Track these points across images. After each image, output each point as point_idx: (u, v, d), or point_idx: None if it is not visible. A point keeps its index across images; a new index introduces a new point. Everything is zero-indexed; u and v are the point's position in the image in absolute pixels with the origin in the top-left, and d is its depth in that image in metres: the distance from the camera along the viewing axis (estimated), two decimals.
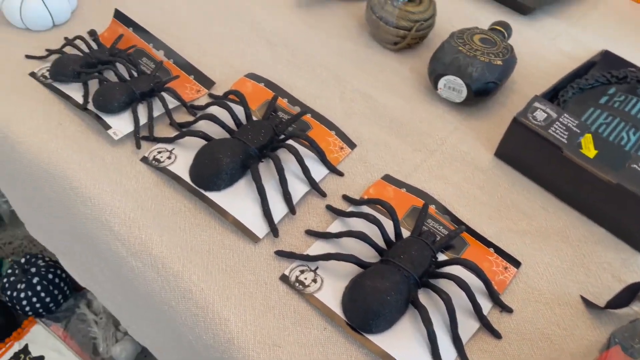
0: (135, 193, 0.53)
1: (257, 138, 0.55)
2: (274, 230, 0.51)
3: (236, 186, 0.54)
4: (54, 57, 0.64)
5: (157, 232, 0.50)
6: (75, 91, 0.60)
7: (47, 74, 0.62)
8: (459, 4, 0.80)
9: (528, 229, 0.55)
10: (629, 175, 0.51)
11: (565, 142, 0.54)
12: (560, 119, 0.55)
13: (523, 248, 0.53)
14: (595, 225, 0.56)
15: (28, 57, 0.64)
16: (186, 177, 0.54)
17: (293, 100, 0.63)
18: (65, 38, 0.66)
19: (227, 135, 0.57)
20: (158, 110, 0.59)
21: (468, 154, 0.61)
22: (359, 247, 0.50)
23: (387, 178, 0.57)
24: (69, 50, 0.64)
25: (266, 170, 0.55)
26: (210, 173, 0.53)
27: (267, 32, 0.72)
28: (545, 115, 0.56)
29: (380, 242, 0.50)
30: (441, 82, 0.64)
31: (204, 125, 0.58)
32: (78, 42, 0.65)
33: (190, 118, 0.60)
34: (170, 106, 0.59)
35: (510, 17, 0.80)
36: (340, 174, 0.57)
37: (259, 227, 0.51)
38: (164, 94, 0.60)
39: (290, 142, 0.57)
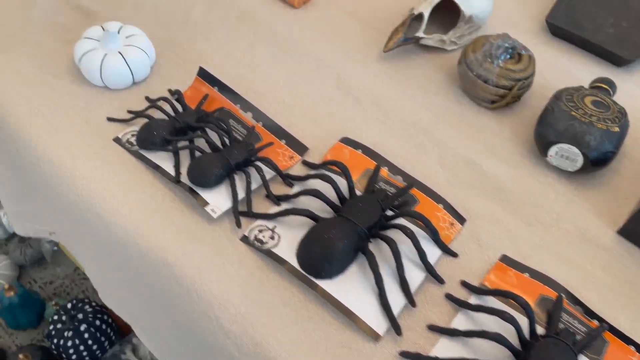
0: (240, 280, 0.48)
1: (366, 216, 0.51)
2: (396, 327, 0.46)
3: (348, 272, 0.49)
4: (137, 119, 0.60)
5: (271, 330, 0.45)
6: (164, 161, 0.56)
7: (132, 139, 0.58)
8: (549, 57, 0.75)
9: None
10: None
11: None
12: None
13: None
14: None
15: (110, 120, 0.60)
16: (293, 262, 0.49)
17: (394, 169, 0.58)
18: (147, 98, 0.62)
19: (329, 211, 0.53)
20: (254, 181, 0.55)
21: (587, 230, 0.56)
22: (496, 350, 0.45)
23: (506, 260, 0.53)
24: (152, 112, 0.61)
25: (375, 253, 0.50)
26: (323, 259, 0.48)
27: (354, 89, 0.67)
28: None
29: (516, 344, 0.45)
30: (552, 150, 0.59)
31: (304, 200, 0.54)
32: (161, 103, 0.61)
33: (286, 189, 0.56)
34: (267, 177, 0.55)
35: (605, 70, 0.76)
36: (455, 254, 0.53)
37: (378, 323, 0.47)
38: (260, 164, 0.56)
39: (401, 220, 0.53)
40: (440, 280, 0.50)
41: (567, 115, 0.59)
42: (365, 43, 0.74)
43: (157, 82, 0.65)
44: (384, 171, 0.58)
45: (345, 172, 0.54)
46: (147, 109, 0.60)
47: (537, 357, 0.43)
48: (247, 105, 0.62)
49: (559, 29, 0.79)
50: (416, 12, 0.69)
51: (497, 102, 0.66)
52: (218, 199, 0.53)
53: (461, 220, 0.56)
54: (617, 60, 0.76)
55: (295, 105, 0.65)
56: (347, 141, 0.60)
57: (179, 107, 0.61)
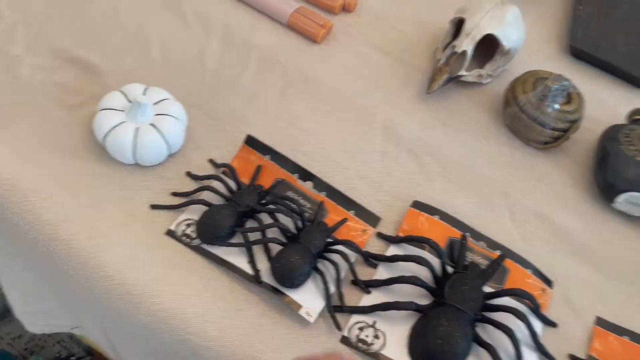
0: None
1: (471, 300, 0.48)
2: None
3: None
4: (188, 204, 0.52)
5: None
6: (234, 255, 0.49)
7: (189, 231, 0.50)
8: (578, 85, 0.74)
9: None
10: None
11: None
12: None
13: None
14: None
15: (155, 207, 0.51)
16: None
17: (476, 235, 0.55)
18: (191, 175, 0.54)
19: (424, 295, 0.49)
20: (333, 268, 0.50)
21: None
22: None
23: (603, 324, 0.52)
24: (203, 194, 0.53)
25: (485, 336, 0.47)
26: (447, 357, 0.44)
27: (404, 139, 0.63)
28: None
29: None
30: (621, 197, 0.58)
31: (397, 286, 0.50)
32: (211, 181, 0.53)
33: (369, 270, 0.51)
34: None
35: (628, 91, 0.76)
36: (555, 324, 0.51)
37: None
38: (342, 248, 0.51)
39: (504, 299, 0.50)
40: (551, 358, 0.48)
41: (633, 161, 0.58)
42: (400, 82, 0.69)
43: (192, 150, 0.57)
44: (458, 233, 0.55)
45: (438, 250, 0.50)
46: (196, 191, 0.53)
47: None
48: (305, 174, 0.56)
49: (582, 52, 0.78)
50: (459, 51, 0.65)
51: (549, 143, 0.64)
52: (308, 298, 0.47)
53: (549, 283, 0.54)
54: (638, 82, 0.77)
55: (350, 165, 0.59)
56: (419, 206, 0.56)
57: (232, 184, 0.53)
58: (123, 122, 0.53)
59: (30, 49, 0.61)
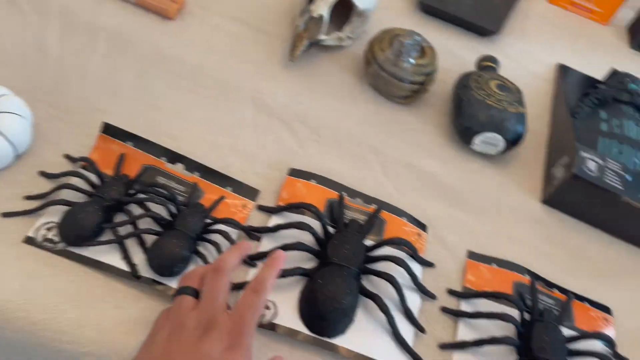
0: None
1: (354, 256, 0.49)
2: (417, 358, 0.47)
3: (356, 319, 0.48)
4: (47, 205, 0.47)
5: None
6: (105, 253, 0.46)
7: (52, 236, 0.46)
8: (429, 38, 0.78)
9: (598, 270, 0.59)
10: None
11: (622, 188, 0.58)
12: (607, 165, 0.60)
13: (609, 294, 0.57)
14: None
15: (7, 215, 0.46)
16: (301, 328, 0.46)
17: (352, 192, 0.57)
18: (45, 174, 0.49)
19: (311, 258, 0.50)
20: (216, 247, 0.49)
21: (521, 208, 0.63)
22: None
23: (473, 256, 0.56)
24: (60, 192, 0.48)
25: (370, 286, 0.50)
26: (335, 318, 0.46)
27: (275, 109, 0.63)
28: (595, 164, 0.59)
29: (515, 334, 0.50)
30: (477, 139, 0.63)
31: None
32: (69, 179, 0.49)
33: (254, 243, 0.51)
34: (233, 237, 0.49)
35: (473, 40, 0.82)
36: (431, 265, 0.55)
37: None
38: (222, 227, 0.50)
39: (385, 249, 0.52)
40: (432, 296, 0.52)
41: (483, 104, 0.63)
42: (263, 52, 0.68)
43: (43, 148, 0.52)
44: (345, 198, 0.56)
45: (318, 214, 0.51)
46: (53, 190, 0.48)
47: (536, 338, 0.48)
48: (173, 156, 0.54)
49: (430, 7, 0.82)
50: (316, 15, 0.65)
51: (409, 97, 0.68)
52: None
53: (423, 228, 0.57)
54: (482, 32, 0.83)
55: (221, 141, 0.58)
56: (296, 173, 0.57)
57: (94, 178, 0.50)
58: None
59: None
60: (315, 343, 0.46)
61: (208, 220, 0.50)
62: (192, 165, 0.54)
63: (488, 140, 0.63)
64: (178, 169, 0.53)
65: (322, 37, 0.67)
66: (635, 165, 0.65)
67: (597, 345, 0.52)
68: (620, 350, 0.53)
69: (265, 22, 0.72)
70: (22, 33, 0.60)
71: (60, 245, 0.46)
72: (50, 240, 0.46)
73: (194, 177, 0.53)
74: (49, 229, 0.46)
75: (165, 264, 0.45)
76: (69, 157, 0.51)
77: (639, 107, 0.74)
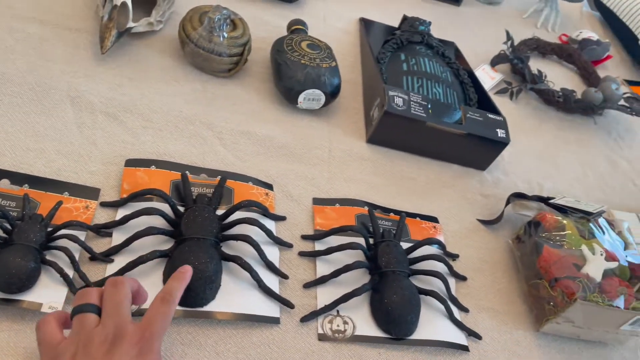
0: None
1: (209, 227, 0.52)
2: (287, 304, 0.52)
3: (224, 285, 0.51)
4: None
5: None
6: None
7: None
8: (241, 11, 0.81)
9: (421, 189, 0.69)
10: (469, 125, 0.70)
11: (425, 115, 0.68)
12: (411, 99, 0.69)
13: (433, 206, 0.68)
14: (451, 164, 0.74)
15: None
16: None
17: (194, 170, 0.59)
18: None
19: (167, 240, 0.52)
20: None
21: (351, 151, 0.70)
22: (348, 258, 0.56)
23: (318, 201, 0.62)
24: None
25: (231, 251, 0.53)
26: (205, 288, 0.48)
27: (97, 104, 0.61)
28: (401, 99, 0.68)
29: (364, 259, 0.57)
30: (301, 97, 0.69)
31: (135, 243, 0.50)
32: None
33: (105, 241, 0.51)
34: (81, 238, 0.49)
35: (281, 7, 0.87)
36: (283, 218, 0.59)
37: (271, 309, 0.51)
38: (67, 231, 0.48)
39: (235, 215, 0.55)
40: (288, 245, 0.57)
41: (299, 65, 0.68)
42: (71, 49, 0.66)
43: None
44: (189, 176, 0.58)
45: (163, 196, 0.52)
46: None
47: (381, 256, 0.56)
48: None
49: None
50: (118, 3, 0.64)
51: (233, 70, 0.70)
52: (47, 293, 0.45)
53: (270, 187, 0.62)
54: None
55: (46, 147, 0.55)
56: (133, 163, 0.57)
57: None
58: None
59: None
60: (188, 315, 0.48)
61: (50, 229, 0.48)
62: (19, 178, 0.51)
63: (310, 97, 0.69)
64: (4, 185, 0.50)
65: (131, 24, 0.67)
66: (434, 95, 0.76)
67: (431, 250, 0.61)
68: (449, 249, 0.63)
69: (65, 18, 0.69)
70: None
71: None
72: None
73: (24, 190, 0.51)
74: None
75: (11, 279, 0.43)
76: None
77: (430, 45, 0.85)
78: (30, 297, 0.44)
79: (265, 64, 0.75)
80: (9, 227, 0.47)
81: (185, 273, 0.45)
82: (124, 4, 0.65)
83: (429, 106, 0.70)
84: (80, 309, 0.40)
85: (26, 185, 0.51)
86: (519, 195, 0.67)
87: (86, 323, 0.39)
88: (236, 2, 0.83)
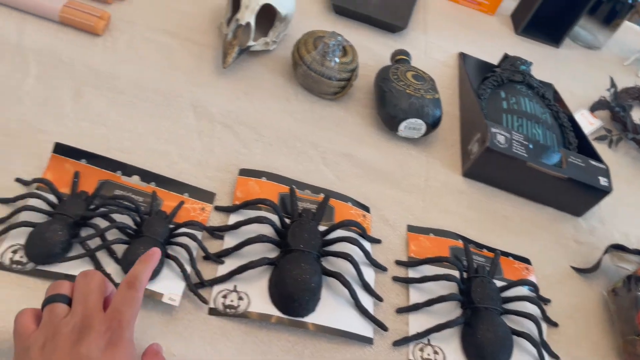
0: (235, 351, 0.47)
1: (313, 241, 0.54)
2: (380, 325, 0.53)
3: (323, 299, 0.53)
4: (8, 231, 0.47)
5: None
6: (76, 268, 0.47)
7: (19, 257, 0.46)
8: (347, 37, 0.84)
9: (515, 228, 0.69)
10: (570, 169, 0.69)
11: (526, 155, 0.68)
12: (513, 137, 0.69)
13: (526, 247, 0.67)
14: (546, 207, 0.73)
15: None
16: (275, 312, 0.50)
17: (300, 185, 0.62)
18: (0, 200, 0.49)
19: (273, 249, 0.54)
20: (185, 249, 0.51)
21: (447, 182, 0.71)
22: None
23: (413, 229, 0.63)
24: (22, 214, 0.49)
25: (330, 267, 0.55)
26: (304, 299, 0.50)
27: (216, 115, 0.66)
28: (503, 137, 0.69)
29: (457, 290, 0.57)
30: (402, 125, 0.70)
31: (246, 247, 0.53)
32: (26, 201, 0.49)
33: (218, 242, 0.54)
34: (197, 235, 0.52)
35: (384, 36, 0.90)
36: (379, 241, 0.61)
37: (366, 328, 0.52)
38: (187, 229, 0.52)
39: (337, 232, 0.57)
40: (383, 269, 0.58)
41: (404, 94, 0.70)
42: (196, 61, 0.71)
43: None
44: (295, 190, 0.61)
45: (274, 207, 0.55)
46: (12, 214, 0.48)
47: (475, 292, 0.56)
48: (129, 169, 0.55)
49: (342, 8, 0.89)
50: (243, 23, 0.69)
51: (339, 93, 0.74)
52: (167, 285, 0.48)
53: (367, 209, 0.64)
54: (391, 28, 0.91)
55: (170, 150, 0.60)
56: (246, 173, 0.60)
57: (52, 198, 0.50)
58: None
59: None
60: (288, 324, 0.50)
61: (172, 226, 0.52)
62: (148, 176, 0.56)
63: (411, 126, 0.71)
64: (134, 181, 0.55)
65: (251, 43, 0.71)
66: (533, 135, 0.76)
67: (524, 291, 0.61)
68: (542, 292, 0.62)
69: (192, 31, 0.74)
70: None
71: (30, 266, 0.46)
72: (19, 262, 0.46)
73: (151, 187, 0.55)
74: (14, 252, 0.47)
75: None
76: (20, 181, 0.51)
77: (531, 85, 0.85)
78: (153, 287, 0.48)
79: (368, 90, 0.78)
80: (139, 220, 0.51)
81: (153, 255, 0.42)
82: (248, 24, 0.70)
83: (530, 146, 0.70)
84: (51, 299, 0.39)
85: (153, 183, 0.56)
86: (618, 247, 0.66)
87: (55, 313, 0.38)
88: (343, 28, 0.87)
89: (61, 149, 0.54)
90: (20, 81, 0.60)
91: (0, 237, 0.47)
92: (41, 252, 0.46)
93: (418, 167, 0.71)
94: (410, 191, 0.68)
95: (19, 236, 0.47)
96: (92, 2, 0.71)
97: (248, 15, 0.70)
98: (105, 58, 0.66)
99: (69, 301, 0.39)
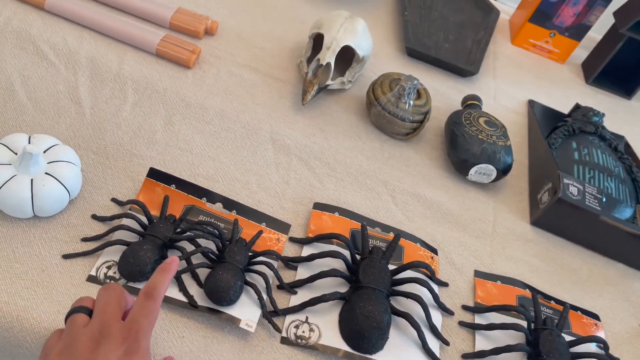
0: None
1: (383, 280, 0.55)
2: None
3: (391, 338, 0.54)
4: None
5: None
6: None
7: (112, 273, 0.50)
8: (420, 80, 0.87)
9: (583, 281, 0.68)
10: None
11: (599, 208, 0.67)
12: (586, 190, 0.69)
13: (594, 302, 0.66)
14: (617, 262, 0.72)
15: (68, 257, 0.50)
16: (344, 346, 0.51)
17: (371, 222, 0.63)
18: (97, 217, 0.53)
19: (343, 283, 0.56)
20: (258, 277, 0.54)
21: (514, 229, 0.71)
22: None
23: (480, 274, 0.64)
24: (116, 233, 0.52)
25: (398, 306, 0.56)
26: (374, 335, 0.51)
27: (292, 148, 0.69)
28: (576, 189, 0.68)
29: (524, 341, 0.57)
30: (473, 170, 0.71)
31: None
32: (121, 220, 0.53)
33: (290, 272, 0.56)
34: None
35: (455, 80, 0.92)
36: (446, 284, 0.61)
37: None
38: (264, 258, 0.55)
39: (407, 272, 0.58)
40: (450, 312, 0.59)
41: (476, 139, 0.71)
42: (275, 96, 0.75)
43: (91, 193, 0.56)
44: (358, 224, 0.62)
45: (347, 243, 0.57)
46: (108, 232, 0.52)
47: (544, 345, 0.56)
48: (213, 197, 0.59)
49: (415, 51, 0.91)
50: (324, 63, 0.72)
51: (410, 134, 0.75)
52: (245, 311, 0.50)
53: (435, 251, 0.64)
54: (462, 73, 0.93)
55: (249, 180, 0.63)
56: (320, 207, 0.63)
57: (143, 219, 0.54)
58: (14, 175, 0.50)
59: None
60: (356, 359, 0.51)
61: (250, 254, 0.55)
62: (230, 204, 0.59)
63: (482, 171, 0.71)
64: (218, 207, 0.58)
65: (329, 82, 0.75)
66: (606, 189, 0.75)
67: (592, 348, 0.60)
68: (612, 351, 0.61)
69: (272, 68, 0.79)
70: (54, 85, 0.64)
71: (122, 282, 0.49)
72: (112, 278, 0.50)
73: (233, 215, 0.58)
74: (109, 267, 0.50)
75: (222, 293, 0.49)
76: (116, 201, 0.56)
77: (603, 137, 0.85)
78: (233, 312, 0.50)
79: (438, 132, 0.79)
80: (221, 246, 0.54)
81: (171, 264, 0.43)
82: (328, 64, 0.73)
83: (604, 199, 0.69)
84: (73, 311, 0.40)
85: (234, 211, 0.59)
86: None
87: (75, 322, 0.39)
88: (415, 70, 0.89)
89: (154, 174, 0.58)
90: (119, 107, 0.65)
91: (97, 253, 0.51)
92: (133, 271, 0.49)
93: (486, 212, 0.71)
94: (478, 236, 0.68)
95: (114, 253, 0.51)
96: (185, 36, 0.77)
97: (329, 56, 0.73)
98: (194, 89, 0.71)
99: (90, 312, 0.40)
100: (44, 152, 0.52)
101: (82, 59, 0.68)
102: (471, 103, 0.81)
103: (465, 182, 0.74)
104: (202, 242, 0.54)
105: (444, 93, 0.87)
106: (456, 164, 0.73)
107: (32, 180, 0.50)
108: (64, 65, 0.67)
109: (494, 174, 0.72)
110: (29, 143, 0.53)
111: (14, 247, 0.49)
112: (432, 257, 0.63)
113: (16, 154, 0.51)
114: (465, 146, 0.72)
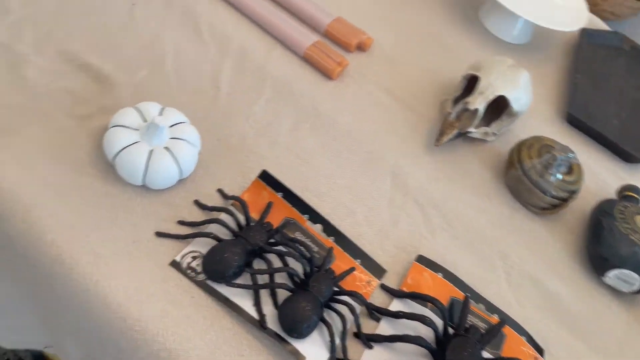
0: None
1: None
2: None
3: None
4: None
5: None
6: (239, 296, 0.47)
7: (194, 265, 0.48)
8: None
9: None
10: None
11: None
12: None
13: None
14: None
15: (160, 235, 0.49)
16: None
17: (476, 297, 0.56)
18: (200, 205, 0.52)
19: (422, 353, 0.49)
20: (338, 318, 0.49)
21: None
22: None
23: None
24: (211, 226, 0.51)
25: None
26: None
27: (411, 188, 0.63)
28: None
29: None
30: (612, 273, 0.60)
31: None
32: (224, 216, 0.52)
33: (371, 322, 0.51)
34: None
35: (615, 163, 0.80)
36: None
37: None
38: (347, 299, 0.50)
39: None
40: None
41: (627, 239, 0.60)
42: (409, 129, 0.70)
43: (202, 177, 0.55)
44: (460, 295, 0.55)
45: (442, 312, 0.50)
46: (204, 222, 0.51)
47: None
48: (315, 216, 0.55)
49: (577, 120, 0.81)
50: (472, 108, 0.66)
51: (547, 210, 0.66)
52: (312, 350, 0.46)
53: (540, 352, 0.55)
54: (626, 157, 0.81)
55: (358, 209, 0.59)
56: (424, 261, 0.56)
57: (241, 219, 0.52)
58: (136, 142, 0.50)
59: (38, 49, 0.58)
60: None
61: (336, 289, 0.50)
62: (330, 229, 0.55)
63: (623, 277, 0.60)
64: (317, 229, 0.55)
65: (471, 130, 0.68)
66: None
67: None
68: None
69: (414, 99, 0.74)
70: (201, 64, 0.65)
71: (201, 277, 0.48)
72: (193, 270, 0.48)
73: (330, 242, 0.54)
74: (193, 258, 0.49)
75: (296, 324, 0.45)
76: (221, 193, 0.54)
77: None
78: (300, 346, 0.46)
79: (580, 216, 0.69)
80: (309, 270, 0.50)
81: None
82: (476, 111, 0.66)
83: None
84: None
85: (332, 238, 0.55)
86: None
87: None
88: (570, 140, 0.79)
89: (265, 177, 0.56)
90: (253, 101, 0.64)
91: (186, 240, 0.50)
92: (216, 270, 0.47)
93: (615, 327, 0.60)
94: (598, 351, 0.57)
95: (202, 245, 0.50)
96: (337, 46, 0.74)
97: (479, 102, 0.66)
98: (330, 101, 0.68)
99: None
100: (170, 126, 0.53)
101: (234, 44, 0.69)
102: (629, 195, 0.70)
103: (599, 283, 0.63)
104: (291, 261, 0.51)
105: (599, 174, 0.76)
106: (594, 259, 0.63)
107: (151, 151, 0.50)
108: (215, 47, 0.68)
109: (638, 284, 0.60)
110: (160, 114, 0.53)
111: (117, 211, 0.50)
112: (535, 358, 0.54)
113: (145, 121, 0.52)
114: (611, 243, 0.61)
